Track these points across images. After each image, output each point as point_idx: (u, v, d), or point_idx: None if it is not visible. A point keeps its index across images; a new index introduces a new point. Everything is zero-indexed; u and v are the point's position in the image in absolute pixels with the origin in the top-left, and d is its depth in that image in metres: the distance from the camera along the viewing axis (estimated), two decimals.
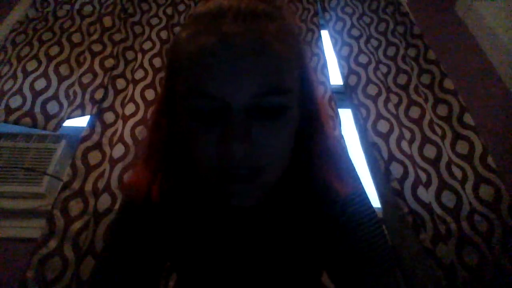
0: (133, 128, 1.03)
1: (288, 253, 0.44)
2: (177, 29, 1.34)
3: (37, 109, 1.08)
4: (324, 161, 0.38)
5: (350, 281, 0.40)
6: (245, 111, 0.29)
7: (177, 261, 0.50)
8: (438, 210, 0.93)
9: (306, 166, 0.38)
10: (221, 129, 0.29)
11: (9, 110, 1.07)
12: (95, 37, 1.26)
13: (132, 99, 1.08)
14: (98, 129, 1.04)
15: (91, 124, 1.04)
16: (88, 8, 1.40)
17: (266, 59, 0.29)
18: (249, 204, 0.34)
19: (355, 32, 1.34)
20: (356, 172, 0.46)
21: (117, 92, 1.14)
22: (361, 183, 0.45)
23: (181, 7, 1.41)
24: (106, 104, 1.09)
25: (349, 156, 0.47)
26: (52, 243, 0.85)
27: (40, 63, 1.18)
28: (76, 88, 1.11)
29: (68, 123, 1.08)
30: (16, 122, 1.05)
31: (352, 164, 0.46)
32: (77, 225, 0.89)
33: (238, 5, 0.30)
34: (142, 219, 0.43)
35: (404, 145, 1.01)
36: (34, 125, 1.05)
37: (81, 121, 1.12)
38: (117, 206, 0.90)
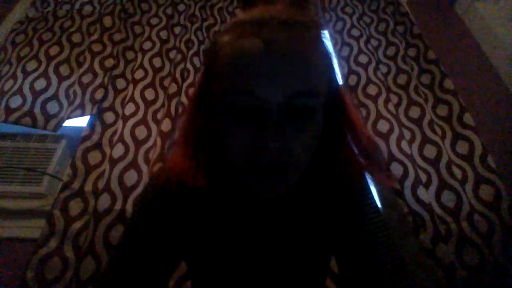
0: (133, 128, 1.03)
1: (299, 246, 0.46)
2: (177, 29, 1.34)
3: (37, 109, 1.08)
4: (363, 157, 0.41)
5: (357, 273, 0.42)
6: (281, 110, 0.32)
7: (192, 253, 0.49)
8: (438, 210, 0.93)
9: (330, 159, 0.41)
10: (258, 125, 0.32)
11: (9, 110, 1.07)
12: (95, 37, 1.26)
13: (132, 99, 1.08)
14: (98, 129, 1.04)
15: (91, 124, 1.04)
16: (88, 8, 1.40)
17: (302, 64, 0.32)
18: (272, 198, 0.36)
19: (355, 32, 1.34)
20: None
21: (117, 92, 1.14)
22: (366, 180, 0.48)
23: (181, 7, 1.41)
24: (106, 104, 1.09)
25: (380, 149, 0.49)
26: (52, 243, 0.85)
27: (40, 63, 1.18)
28: (76, 88, 1.11)
29: (68, 123, 1.08)
30: (16, 122, 1.05)
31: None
32: (77, 225, 0.89)
33: (279, 15, 0.34)
34: (175, 205, 0.45)
35: (404, 145, 1.02)
36: (34, 125, 1.05)
37: (81, 121, 1.12)
38: (118, 206, 0.90)
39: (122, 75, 1.18)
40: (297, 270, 0.48)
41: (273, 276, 0.48)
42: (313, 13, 0.38)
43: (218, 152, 0.39)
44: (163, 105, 1.12)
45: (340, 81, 0.42)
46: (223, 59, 0.34)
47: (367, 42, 1.31)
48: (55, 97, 1.11)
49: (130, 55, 1.24)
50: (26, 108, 1.08)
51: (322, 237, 0.47)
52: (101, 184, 0.94)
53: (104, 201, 0.90)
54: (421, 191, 0.93)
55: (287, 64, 0.31)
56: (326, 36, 0.37)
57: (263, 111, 0.32)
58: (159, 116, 1.10)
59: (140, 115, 1.06)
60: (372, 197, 0.47)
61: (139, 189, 0.95)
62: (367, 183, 0.47)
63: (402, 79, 1.20)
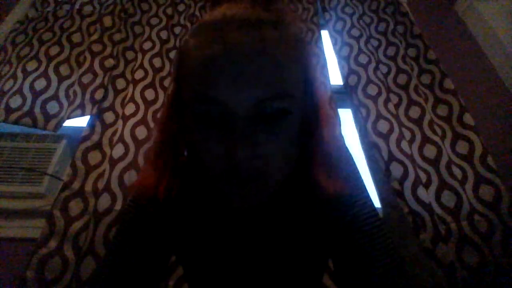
0: (133, 128, 1.03)
1: (290, 252, 0.45)
2: (177, 29, 1.34)
3: (37, 109, 1.08)
4: (317, 162, 0.38)
5: (354, 282, 0.40)
6: (248, 116, 0.30)
7: (183, 259, 0.51)
8: (438, 210, 0.93)
9: (304, 168, 0.39)
10: (226, 133, 0.30)
11: (9, 110, 1.07)
12: (95, 37, 1.26)
13: (132, 99, 1.08)
14: (98, 129, 1.04)
15: (91, 124, 1.04)
16: (88, 8, 1.40)
17: (268, 66, 0.30)
18: (252, 207, 0.34)
19: (355, 32, 1.34)
20: (358, 174, 0.46)
21: (117, 92, 1.14)
22: (362, 184, 0.45)
23: (181, 7, 1.41)
24: (106, 104, 1.09)
25: (349, 158, 0.47)
26: (52, 243, 0.85)
27: (40, 63, 1.18)
28: (76, 88, 1.11)
29: (68, 123, 1.08)
30: (16, 122, 1.05)
31: (353, 166, 0.46)
32: (77, 225, 0.89)
33: (241, 14, 0.31)
34: (148, 217, 0.44)
35: (404, 145, 1.01)
36: (34, 125, 1.05)
37: (81, 121, 1.13)
38: (118, 206, 0.90)
39: (122, 75, 1.18)
40: (286, 275, 0.47)
41: (261, 282, 0.47)
42: (285, 11, 0.33)
43: (193, 159, 0.37)
44: (163, 105, 1.12)
45: (324, 79, 0.39)
46: (188, 66, 0.33)
47: (367, 42, 1.31)
48: (55, 97, 1.11)
49: (130, 55, 1.24)
50: (26, 108, 1.08)
51: (309, 242, 0.45)
52: (101, 184, 0.94)
53: (104, 201, 0.90)
54: (421, 191, 0.93)
55: (250, 68, 0.29)
56: (304, 33, 0.34)
57: (230, 118, 0.30)
58: (159, 116, 1.10)
59: (140, 115, 1.06)
60: (366, 197, 0.44)
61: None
62: (361, 183, 0.45)
63: (402, 79, 1.20)
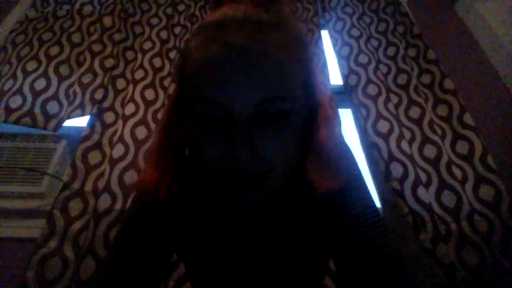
0: (133, 128, 1.03)
1: (292, 251, 0.45)
2: (177, 29, 1.34)
3: (37, 109, 1.08)
4: (317, 161, 0.38)
5: (355, 277, 0.40)
6: (249, 117, 0.30)
7: (185, 257, 0.51)
8: (438, 210, 0.93)
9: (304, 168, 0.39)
10: (226, 134, 0.30)
11: (9, 110, 1.07)
12: (95, 37, 1.26)
13: (132, 99, 1.08)
14: (98, 129, 1.04)
15: (91, 124, 1.04)
16: (88, 8, 1.40)
17: (269, 67, 0.29)
18: (253, 208, 0.34)
19: (355, 32, 1.34)
20: (359, 174, 0.45)
21: (117, 92, 1.14)
22: (364, 184, 0.44)
23: (181, 7, 1.41)
24: (106, 104, 1.09)
25: (350, 158, 0.46)
26: (52, 243, 0.85)
27: (40, 63, 1.18)
28: (76, 88, 1.11)
29: (68, 123, 1.08)
30: (16, 122, 1.05)
31: (354, 166, 0.45)
32: (77, 225, 0.89)
33: (242, 16, 0.31)
34: (150, 216, 0.45)
35: (404, 145, 1.01)
36: (34, 125, 1.05)
37: (81, 121, 1.13)
38: (118, 206, 0.90)
39: (122, 75, 1.18)
40: (287, 274, 0.47)
41: (262, 282, 0.48)
42: (286, 13, 0.35)
43: (195, 160, 0.37)
44: (163, 105, 1.12)
45: (325, 80, 0.39)
46: (189, 67, 0.33)
47: (367, 42, 1.31)
48: (55, 97, 1.11)
49: (130, 55, 1.24)
50: (26, 108, 1.08)
51: (310, 242, 0.45)
52: (101, 184, 0.94)
53: (104, 201, 0.90)
54: (421, 191, 0.93)
55: (250, 69, 0.29)
56: (305, 34, 0.34)
57: (231, 120, 0.30)
58: (159, 116, 1.10)
59: (140, 115, 1.06)
60: (368, 197, 0.44)
61: None
62: (363, 183, 0.45)
63: (402, 79, 1.20)
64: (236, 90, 0.29)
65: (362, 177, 0.46)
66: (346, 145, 0.47)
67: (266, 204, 0.35)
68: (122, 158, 0.97)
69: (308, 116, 0.36)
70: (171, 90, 1.13)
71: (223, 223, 0.45)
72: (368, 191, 0.45)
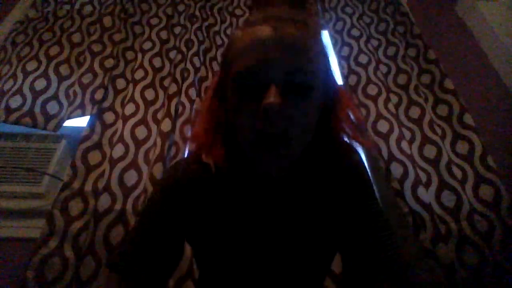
0: (133, 128, 1.03)
1: (310, 226, 0.49)
2: (177, 29, 1.34)
3: (37, 109, 1.08)
4: (348, 125, 0.47)
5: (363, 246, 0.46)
6: (282, 84, 0.37)
7: (206, 231, 0.52)
8: (438, 210, 0.93)
9: (331, 133, 0.46)
10: (262, 98, 0.36)
11: (9, 110, 1.07)
12: (95, 37, 1.26)
13: (132, 99, 1.08)
14: (98, 129, 1.04)
15: (91, 124, 1.04)
16: (88, 8, 1.40)
17: (300, 48, 0.39)
18: (276, 172, 0.41)
19: (355, 32, 1.34)
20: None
21: (117, 92, 1.14)
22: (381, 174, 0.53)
23: (181, 7, 1.41)
24: (106, 104, 1.09)
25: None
26: (52, 243, 0.85)
27: (40, 63, 1.18)
28: (76, 88, 1.11)
29: (68, 123, 1.08)
30: (16, 122, 1.05)
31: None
32: (77, 225, 0.89)
33: (281, 13, 0.41)
34: (188, 188, 0.50)
35: (404, 145, 1.01)
36: (34, 125, 1.05)
37: (81, 121, 1.12)
38: (118, 206, 0.90)
39: (122, 75, 1.18)
40: (302, 254, 0.50)
41: (278, 258, 0.49)
42: (312, 14, 0.45)
43: (230, 135, 0.44)
44: (163, 105, 1.12)
45: (336, 78, 0.47)
46: (237, 47, 0.41)
47: (367, 42, 1.31)
48: (55, 97, 1.11)
49: (130, 55, 1.24)
50: (26, 108, 1.08)
51: (326, 222, 0.49)
52: (101, 184, 0.94)
53: (104, 201, 0.90)
54: (421, 191, 0.93)
55: (288, 45, 0.38)
56: (324, 36, 0.41)
57: (267, 86, 0.37)
58: (159, 116, 1.10)
59: (140, 115, 1.06)
60: (374, 197, 0.50)
61: (139, 189, 0.95)
62: (370, 183, 0.51)
63: (402, 79, 1.20)
64: (276, 59, 0.37)
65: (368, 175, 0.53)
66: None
67: (286, 171, 0.44)
68: (122, 158, 0.97)
69: (327, 95, 0.44)
70: (171, 90, 1.13)
71: (252, 195, 0.49)
72: (373, 190, 0.52)
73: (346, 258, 0.50)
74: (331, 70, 0.45)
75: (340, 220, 0.50)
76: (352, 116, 0.47)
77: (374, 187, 0.51)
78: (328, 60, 0.45)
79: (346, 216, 0.49)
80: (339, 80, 1.19)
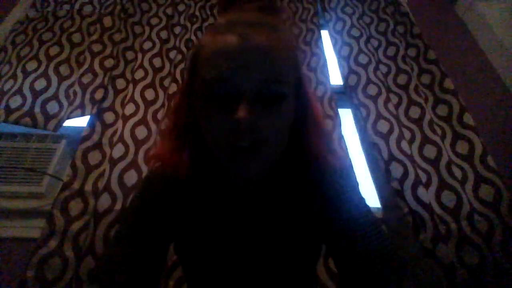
0: (133, 128, 1.03)
1: (287, 231, 0.48)
2: (177, 29, 1.34)
3: (37, 109, 1.08)
4: (318, 139, 0.46)
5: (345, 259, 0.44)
6: (253, 94, 0.36)
7: (180, 244, 0.53)
8: (438, 210, 0.93)
9: (302, 145, 0.45)
10: (232, 108, 0.36)
11: (9, 110, 1.07)
12: (95, 37, 1.26)
13: (132, 99, 1.08)
14: (98, 129, 1.04)
15: (91, 124, 1.04)
16: (88, 8, 1.40)
17: (270, 56, 0.37)
18: (251, 175, 0.40)
19: (355, 32, 1.34)
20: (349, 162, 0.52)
21: (117, 92, 1.14)
22: (351, 170, 0.51)
23: (181, 7, 1.41)
24: (106, 104, 1.09)
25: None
26: (52, 243, 0.85)
27: (40, 63, 1.18)
28: (76, 88, 1.11)
29: (68, 123, 1.08)
30: (16, 122, 1.05)
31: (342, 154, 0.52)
32: (77, 225, 0.89)
33: (249, 17, 0.40)
34: (165, 189, 0.49)
35: (404, 145, 1.01)
36: (34, 125, 1.05)
37: (81, 121, 1.13)
38: (118, 206, 0.90)
39: (122, 75, 1.18)
40: (283, 256, 0.49)
41: (259, 263, 0.49)
42: (283, 19, 0.46)
43: (201, 142, 0.43)
44: (163, 105, 1.12)
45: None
46: (204, 54, 0.39)
47: (367, 42, 1.31)
48: (55, 97, 1.11)
49: (130, 55, 1.24)
50: (26, 108, 1.08)
51: (303, 223, 0.49)
52: (101, 184, 0.94)
53: (104, 201, 0.90)
54: (421, 191, 0.93)
55: (256, 55, 0.36)
56: (296, 41, 0.40)
57: (237, 96, 0.36)
58: (159, 116, 1.10)
59: (140, 115, 1.06)
60: (355, 190, 0.49)
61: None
62: (350, 175, 0.50)
63: (402, 79, 1.20)
64: (244, 70, 0.36)
65: (355, 174, 0.52)
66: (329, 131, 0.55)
67: (262, 175, 0.43)
68: (122, 158, 0.97)
69: (299, 105, 0.43)
70: (171, 90, 1.13)
71: (223, 200, 0.48)
72: (354, 184, 0.50)
73: (336, 264, 0.47)
74: (302, 76, 0.44)
75: (314, 224, 0.48)
76: (319, 128, 0.46)
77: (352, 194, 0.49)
78: (300, 65, 0.43)
79: (318, 221, 0.48)
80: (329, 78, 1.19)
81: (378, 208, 1.05)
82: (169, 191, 0.49)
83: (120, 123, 1.04)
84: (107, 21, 1.31)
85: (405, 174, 0.96)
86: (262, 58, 0.36)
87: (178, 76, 1.17)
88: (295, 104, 0.41)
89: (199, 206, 0.49)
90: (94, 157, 1.00)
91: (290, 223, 0.48)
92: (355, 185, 0.50)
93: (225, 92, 0.36)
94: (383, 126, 1.06)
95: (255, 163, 0.39)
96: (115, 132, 1.04)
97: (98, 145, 1.02)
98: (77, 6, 1.40)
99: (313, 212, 0.48)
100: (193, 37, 1.27)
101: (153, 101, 1.12)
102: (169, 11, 1.38)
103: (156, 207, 0.48)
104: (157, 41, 1.26)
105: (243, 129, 0.35)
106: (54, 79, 1.15)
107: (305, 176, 0.48)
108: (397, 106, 1.14)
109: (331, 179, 0.48)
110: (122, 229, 0.48)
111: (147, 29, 1.30)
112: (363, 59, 1.24)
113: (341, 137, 1.04)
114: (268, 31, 0.38)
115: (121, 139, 1.00)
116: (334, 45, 1.34)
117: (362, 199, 0.48)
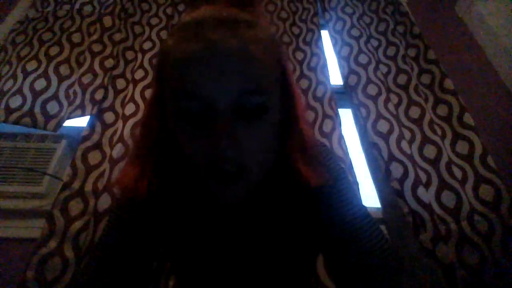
0: (133, 128, 1.03)
1: (277, 246, 0.46)
2: None
3: (37, 109, 1.08)
4: (298, 154, 0.40)
5: (343, 270, 0.40)
6: (230, 111, 0.31)
7: (169, 257, 0.51)
8: (438, 210, 0.93)
9: (285, 161, 0.40)
10: (208, 128, 0.31)
11: (9, 110, 1.07)
12: (95, 37, 1.26)
13: (132, 99, 1.08)
14: (98, 129, 1.04)
15: (91, 124, 1.04)
16: (88, 8, 1.40)
17: (246, 62, 0.31)
18: (236, 202, 0.36)
19: (355, 32, 1.34)
20: (337, 166, 0.47)
21: (117, 92, 1.14)
22: (343, 174, 0.46)
23: (181, 7, 1.41)
24: (106, 104, 1.09)
25: (324, 152, 0.48)
26: (52, 243, 0.85)
27: (40, 63, 1.18)
28: (76, 88, 1.11)
29: (68, 123, 1.08)
30: (16, 122, 1.05)
31: (330, 159, 0.47)
32: (77, 225, 0.89)
33: (220, 14, 0.33)
34: (131, 215, 0.45)
35: (404, 145, 1.01)
36: (34, 125, 1.05)
37: (81, 121, 1.12)
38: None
39: (122, 75, 1.18)
40: (274, 269, 0.47)
41: (248, 278, 0.48)
42: (261, 14, 0.38)
43: (177, 156, 0.38)
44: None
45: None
46: (170, 64, 0.33)
47: (367, 42, 1.31)
48: (55, 97, 1.11)
49: (130, 55, 1.24)
50: (26, 108, 1.08)
51: (295, 235, 0.46)
52: (101, 184, 0.94)
53: (104, 201, 0.90)
54: (421, 191, 0.93)
55: (229, 63, 0.30)
56: (280, 40, 0.36)
57: (212, 113, 0.31)
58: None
59: (140, 115, 1.06)
60: (349, 194, 0.45)
61: None
62: (348, 180, 0.46)
63: (402, 79, 1.20)
64: (216, 83, 0.30)
65: (346, 174, 0.47)
66: (321, 142, 0.49)
67: (249, 197, 0.37)
68: (122, 158, 0.97)
69: (285, 112, 0.38)
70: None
71: (206, 218, 0.45)
72: (344, 179, 0.46)
73: (327, 258, 0.45)
74: (288, 78, 0.38)
75: (308, 231, 0.46)
76: (304, 141, 0.40)
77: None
78: (283, 57, 0.37)
79: (313, 228, 0.45)
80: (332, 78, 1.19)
81: (378, 208, 1.05)
82: (142, 214, 0.45)
83: (120, 123, 1.04)
84: (107, 21, 1.31)
85: (405, 174, 0.96)
86: (236, 66, 0.30)
87: None
88: (280, 102, 0.36)
89: (181, 224, 0.46)
90: (94, 157, 1.00)
91: (281, 233, 0.45)
92: (351, 185, 0.46)
93: (198, 109, 0.31)
94: (383, 126, 1.06)
95: (240, 190, 0.35)
96: (115, 132, 1.04)
97: (98, 145, 1.02)
98: (77, 6, 1.40)
99: (307, 219, 0.45)
100: None
101: None
102: (169, 11, 1.38)
103: (132, 226, 0.45)
104: (157, 41, 1.26)
105: (223, 150, 0.31)
106: (54, 79, 1.14)
107: (295, 184, 0.42)
108: (397, 106, 1.14)
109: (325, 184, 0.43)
110: (99, 243, 0.45)
111: (147, 29, 1.30)
112: (363, 59, 1.24)
113: (341, 137, 1.04)
114: (243, 29, 0.32)
115: (121, 139, 1.00)
116: (334, 45, 1.34)
117: (358, 200, 0.45)
